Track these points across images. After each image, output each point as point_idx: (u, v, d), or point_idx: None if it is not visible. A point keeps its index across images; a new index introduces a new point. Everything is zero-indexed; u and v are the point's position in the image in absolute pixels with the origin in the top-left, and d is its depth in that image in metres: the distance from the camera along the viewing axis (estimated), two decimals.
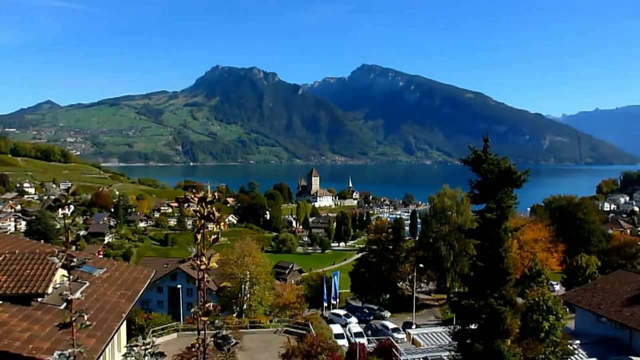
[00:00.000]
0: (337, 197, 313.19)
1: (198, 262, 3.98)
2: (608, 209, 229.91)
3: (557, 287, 70.50)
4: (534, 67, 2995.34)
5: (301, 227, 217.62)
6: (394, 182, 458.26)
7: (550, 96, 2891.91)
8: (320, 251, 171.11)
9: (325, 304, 63.16)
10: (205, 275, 4.07)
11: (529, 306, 34.84)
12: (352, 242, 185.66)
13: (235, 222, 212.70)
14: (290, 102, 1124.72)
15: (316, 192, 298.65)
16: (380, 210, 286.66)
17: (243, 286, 53.01)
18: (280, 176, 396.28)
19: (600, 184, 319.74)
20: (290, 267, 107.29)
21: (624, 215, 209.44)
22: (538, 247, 69.72)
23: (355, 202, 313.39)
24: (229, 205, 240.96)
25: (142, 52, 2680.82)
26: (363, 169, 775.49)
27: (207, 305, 4.15)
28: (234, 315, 50.27)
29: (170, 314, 52.56)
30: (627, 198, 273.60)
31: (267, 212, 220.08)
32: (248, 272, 52.61)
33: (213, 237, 4.05)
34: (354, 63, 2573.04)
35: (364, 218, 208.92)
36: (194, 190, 4.19)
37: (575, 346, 36.74)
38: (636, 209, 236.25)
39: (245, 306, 53.31)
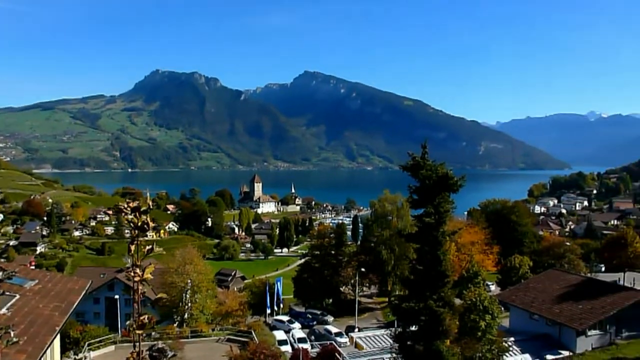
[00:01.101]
0: (280, 203, 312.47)
1: (132, 273, 3.89)
2: (539, 212, 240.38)
3: (492, 288, 72.93)
4: (469, 75, 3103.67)
5: (244, 233, 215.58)
6: (336, 188, 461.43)
7: (485, 104, 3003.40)
8: (263, 257, 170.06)
9: (269, 311, 62.77)
10: (140, 287, 3.98)
11: (466, 307, 35.91)
12: (295, 247, 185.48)
13: (175, 229, 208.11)
14: (233, 108, 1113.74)
15: (259, 199, 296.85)
16: (323, 215, 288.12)
17: (184, 295, 51.88)
18: (223, 182, 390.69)
19: (532, 188, 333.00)
20: (232, 274, 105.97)
21: (553, 218, 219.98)
22: (475, 249, 72.11)
23: (298, 207, 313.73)
24: (169, 212, 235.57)
25: (78, 55, 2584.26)
26: (306, 175, 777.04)
27: (141, 317, 4.05)
28: (175, 325, 49.12)
29: (107, 325, 50.70)
30: (556, 201, 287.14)
31: (209, 219, 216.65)
32: (189, 281, 51.54)
33: (148, 247, 3.97)
34: (297, 70, 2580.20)
35: (307, 224, 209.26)
36: (127, 200, 4.09)
37: (510, 343, 38.22)
38: (564, 211, 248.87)
39: (186, 315, 52.14)
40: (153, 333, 37.66)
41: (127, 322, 4.51)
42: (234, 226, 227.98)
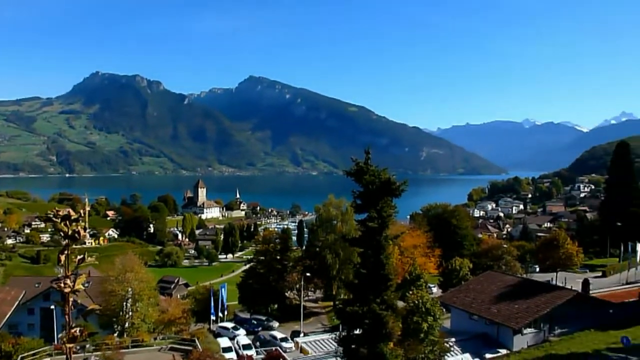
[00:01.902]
0: (224, 209, 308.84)
1: (62, 284, 3.75)
2: (478, 215, 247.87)
3: (434, 290, 74.50)
4: (411, 83, 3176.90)
5: (187, 239, 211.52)
6: (281, 193, 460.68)
7: (426, 111, 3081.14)
8: (207, 264, 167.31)
9: (213, 318, 61.87)
10: (71, 299, 3.84)
11: (409, 309, 36.55)
12: (240, 253, 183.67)
13: (116, 236, 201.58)
14: (176, 112, 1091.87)
15: (203, 204, 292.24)
16: (268, 220, 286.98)
17: (125, 304, 50.32)
18: (166, 188, 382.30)
19: (471, 192, 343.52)
20: (175, 281, 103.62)
21: (492, 221, 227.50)
22: (417, 252, 73.72)
23: (243, 213, 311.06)
24: (109, 218, 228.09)
25: (11, 55, 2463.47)
26: (251, 180, 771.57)
27: (73, 330, 3.90)
28: (115, 334, 47.54)
29: (43, 337, 48.40)
30: (494, 205, 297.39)
31: (151, 225, 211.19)
32: (130, 289, 50.06)
33: (79, 257, 3.83)
34: (242, 74, 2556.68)
35: (252, 229, 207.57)
36: (56, 208, 3.95)
37: (451, 344, 39.22)
38: (501, 214, 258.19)
39: (127, 324, 50.59)
40: (87, 345, 36.30)
41: (59, 335, 4.36)
42: (177, 232, 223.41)
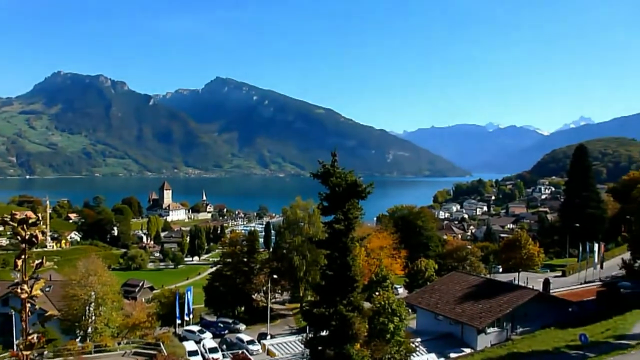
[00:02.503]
0: (190, 211, 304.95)
1: (19, 289, 3.65)
2: (443, 217, 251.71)
3: (400, 291, 75.26)
4: (377, 86, 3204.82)
5: (152, 242, 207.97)
6: (248, 195, 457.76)
7: (392, 114, 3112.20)
8: (173, 267, 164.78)
9: (179, 321, 61.04)
10: (28, 305, 3.74)
11: (375, 310, 36.85)
12: (206, 255, 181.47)
13: (78, 239, 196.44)
14: (141, 113, 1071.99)
15: (168, 206, 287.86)
16: (235, 222, 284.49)
17: (87, 308, 49.17)
18: (130, 190, 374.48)
19: (436, 194, 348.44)
20: (140, 284, 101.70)
21: (456, 222, 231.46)
22: (383, 253, 74.37)
23: (210, 215, 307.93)
24: (71, 221, 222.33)
25: None
26: (217, 182, 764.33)
27: (29, 337, 3.81)
28: (77, 340, 46.41)
29: (2, 343, 46.99)
30: (459, 206, 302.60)
31: (115, 228, 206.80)
32: (93, 293, 48.92)
33: (37, 262, 3.74)
34: (208, 75, 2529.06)
35: (219, 231, 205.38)
36: (12, 212, 3.85)
37: (417, 344, 39.73)
38: (466, 216, 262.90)
39: (90, 329, 49.42)
40: (46, 352, 35.36)
41: (16, 342, 4.26)
42: (142, 235, 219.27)
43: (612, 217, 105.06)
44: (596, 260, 69.98)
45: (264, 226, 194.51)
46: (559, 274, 79.34)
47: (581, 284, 63.84)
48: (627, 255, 57.59)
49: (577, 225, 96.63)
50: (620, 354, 26.59)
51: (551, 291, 54.51)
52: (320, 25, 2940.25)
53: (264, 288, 70.14)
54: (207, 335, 56.24)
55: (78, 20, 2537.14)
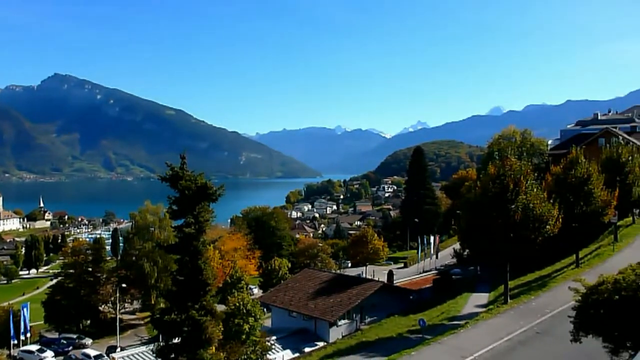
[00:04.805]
0: (25, 219, 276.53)
1: None
2: (295, 217, 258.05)
3: (255, 291, 75.84)
4: (230, 88, 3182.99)
5: None
6: (93, 200, 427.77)
7: (245, 116, 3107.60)
8: (6, 282, 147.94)
9: (14, 341, 55.23)
10: None
11: (230, 312, 36.79)
12: (45, 267, 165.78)
13: None
14: None
15: None
16: (79, 230, 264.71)
17: None
18: None
19: (289, 195, 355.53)
20: None
21: (308, 221, 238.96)
22: (238, 255, 74.40)
23: (49, 223, 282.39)
24: None
25: None
26: (57, 187, 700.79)
27: None
28: None
29: None
30: (310, 206, 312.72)
31: None
32: None
33: None
34: (45, 71, 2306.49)
35: (60, 240, 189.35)
36: None
37: (272, 342, 40.37)
38: (317, 215, 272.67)
39: None
40: None
41: None
42: None
43: (445, 212, 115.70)
44: (432, 251, 76.97)
45: (111, 233, 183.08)
46: (402, 265, 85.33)
47: (420, 273, 69.48)
48: (457, 246, 63.82)
49: (416, 220, 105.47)
50: (452, 333, 29.50)
51: (395, 282, 58.79)
52: (168, 24, 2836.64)
53: (112, 298, 66.44)
54: (48, 354, 52.00)
55: None
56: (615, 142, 52.46)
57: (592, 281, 18.55)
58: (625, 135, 64.47)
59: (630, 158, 46.81)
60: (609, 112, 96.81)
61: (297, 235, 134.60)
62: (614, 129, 66.09)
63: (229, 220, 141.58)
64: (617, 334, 16.06)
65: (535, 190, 32.67)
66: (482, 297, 41.37)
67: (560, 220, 33.37)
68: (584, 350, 18.84)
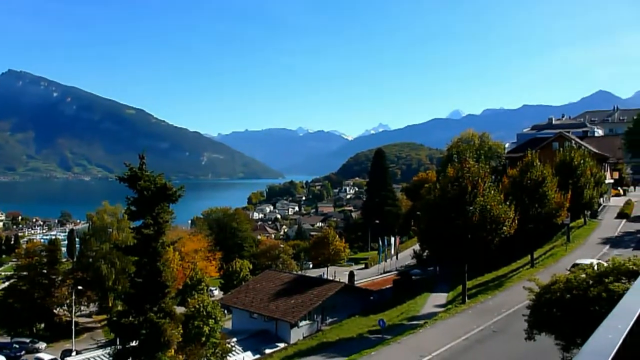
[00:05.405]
0: None
1: None
2: (257, 218, 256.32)
3: (216, 292, 75.04)
4: (190, 88, 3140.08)
5: None
6: (49, 201, 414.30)
7: (206, 116, 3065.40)
8: None
9: None
10: None
11: (189, 314, 36.37)
12: None
13: None
14: None
15: None
16: (33, 231, 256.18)
17: None
18: None
19: (251, 196, 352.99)
20: None
21: (270, 222, 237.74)
22: (198, 256, 73.58)
23: (1, 224, 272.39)
24: None
25: None
26: (10, 187, 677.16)
27: None
28: None
29: None
30: (272, 207, 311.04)
31: None
32: None
33: None
34: None
35: (13, 241, 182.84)
36: None
37: (232, 344, 40.11)
38: (279, 216, 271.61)
39: None
40: None
41: None
42: None
43: (405, 213, 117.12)
44: (393, 252, 77.94)
45: (67, 234, 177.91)
46: (363, 266, 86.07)
47: (381, 274, 70.29)
48: (417, 247, 64.75)
49: (377, 221, 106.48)
50: (411, 333, 29.92)
51: (355, 282, 59.28)
52: (129, 21, 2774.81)
53: (68, 301, 64.76)
54: (0, 358, 50.25)
55: None
56: (568, 146, 54.24)
57: (546, 281, 19.15)
58: (578, 140, 66.95)
59: (582, 162, 48.66)
60: (563, 117, 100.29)
61: (259, 237, 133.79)
62: (567, 134, 68.58)
63: (190, 222, 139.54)
64: (569, 331, 16.61)
65: (492, 192, 33.52)
66: (441, 297, 42.12)
67: (516, 221, 34.33)
68: (538, 347, 19.41)
